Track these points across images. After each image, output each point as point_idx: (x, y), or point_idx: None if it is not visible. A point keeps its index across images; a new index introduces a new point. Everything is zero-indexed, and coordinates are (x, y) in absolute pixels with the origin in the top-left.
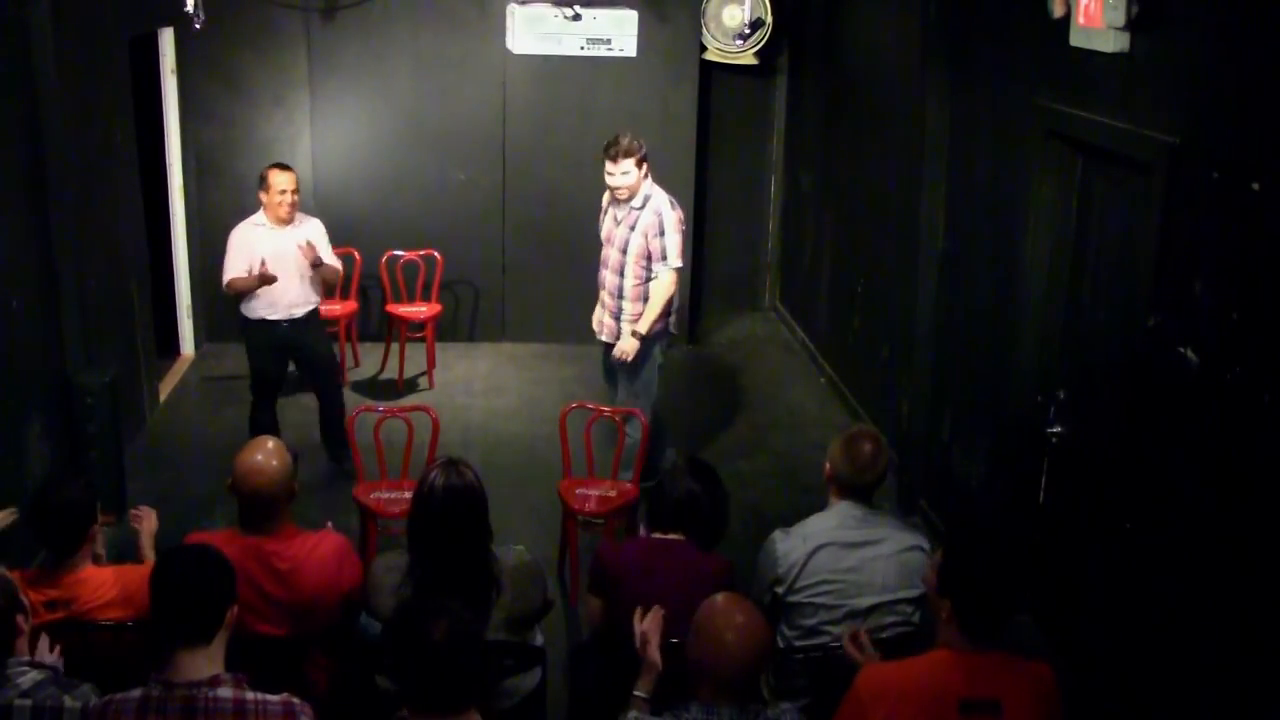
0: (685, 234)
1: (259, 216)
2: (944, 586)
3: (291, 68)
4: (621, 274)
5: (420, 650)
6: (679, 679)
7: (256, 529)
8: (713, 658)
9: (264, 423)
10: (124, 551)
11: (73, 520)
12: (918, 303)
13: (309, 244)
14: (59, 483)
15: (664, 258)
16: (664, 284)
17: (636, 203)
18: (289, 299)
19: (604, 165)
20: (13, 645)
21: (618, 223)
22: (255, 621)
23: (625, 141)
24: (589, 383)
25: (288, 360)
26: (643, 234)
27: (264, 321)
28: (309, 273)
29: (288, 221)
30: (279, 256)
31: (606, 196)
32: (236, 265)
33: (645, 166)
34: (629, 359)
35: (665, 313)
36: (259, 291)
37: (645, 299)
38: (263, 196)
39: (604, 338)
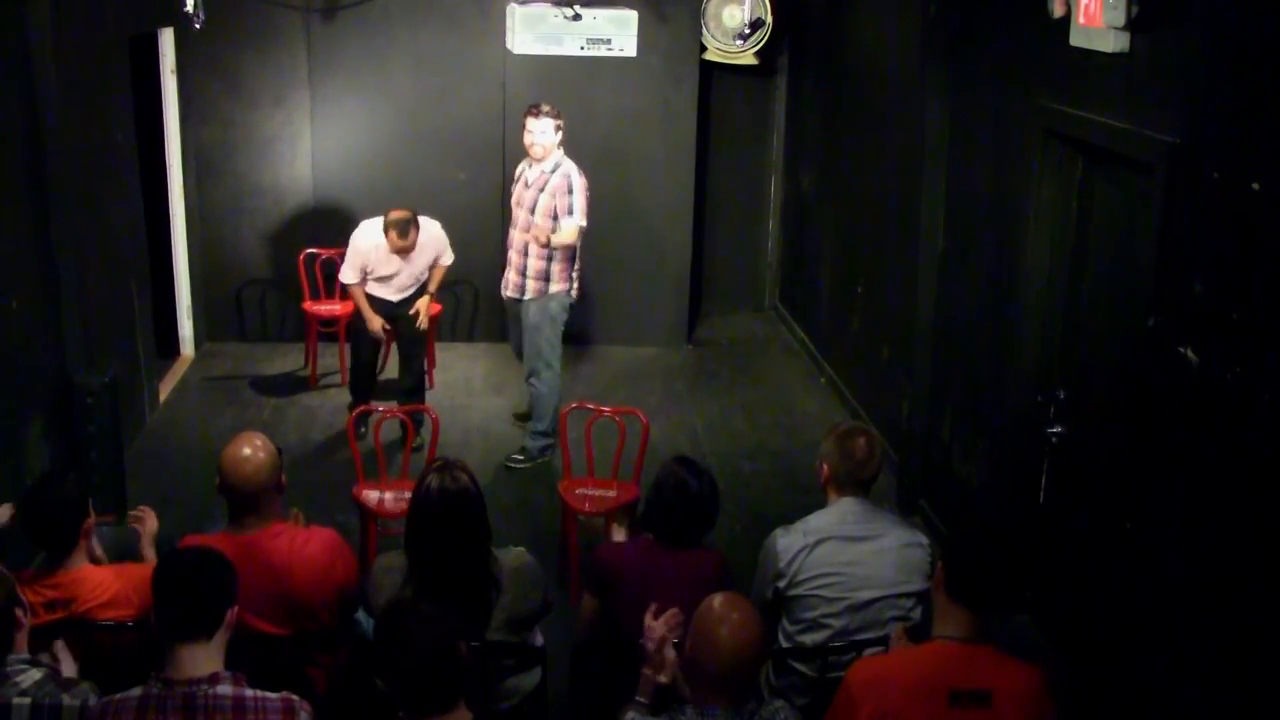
0: (590, 199)
1: (380, 232)
2: (946, 553)
3: (291, 68)
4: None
5: (401, 654)
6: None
7: (248, 526)
8: (706, 654)
9: (361, 387)
10: (124, 552)
11: (65, 517)
12: (918, 303)
13: (427, 315)
14: (50, 480)
15: (570, 213)
16: (568, 228)
17: (548, 167)
18: (399, 283)
19: (525, 125)
20: (12, 641)
21: (528, 186)
22: (254, 620)
23: (547, 105)
24: (589, 383)
25: (388, 330)
26: (551, 194)
27: (373, 297)
28: (420, 272)
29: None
30: (396, 266)
31: (520, 166)
32: (354, 269)
33: (561, 135)
34: (542, 240)
35: (567, 274)
36: (376, 274)
37: (549, 258)
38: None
39: (509, 293)
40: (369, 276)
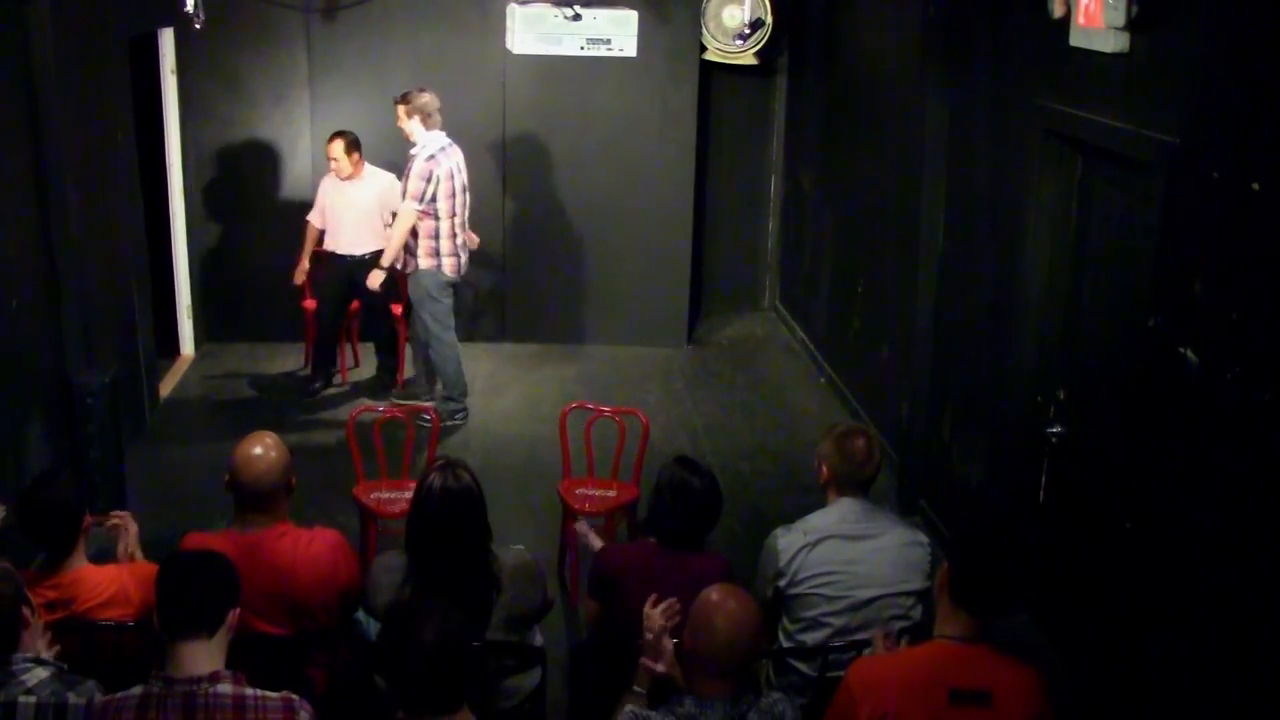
0: (432, 181)
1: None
2: (951, 558)
3: (291, 68)
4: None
5: (410, 652)
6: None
7: (253, 525)
8: (703, 642)
9: (323, 358)
10: (107, 557)
11: (64, 517)
12: (918, 303)
13: (380, 284)
14: (46, 480)
15: (404, 196)
16: (398, 220)
17: (414, 150)
18: (347, 239)
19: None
20: (19, 638)
21: None
22: (255, 620)
23: (406, 93)
24: (589, 383)
25: (347, 298)
26: (405, 176)
27: (333, 254)
28: (369, 221)
29: (347, 178)
30: (342, 206)
31: None
32: (315, 209)
33: (417, 118)
34: (376, 288)
35: (431, 252)
36: (330, 225)
37: (415, 235)
38: None
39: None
40: (325, 224)
